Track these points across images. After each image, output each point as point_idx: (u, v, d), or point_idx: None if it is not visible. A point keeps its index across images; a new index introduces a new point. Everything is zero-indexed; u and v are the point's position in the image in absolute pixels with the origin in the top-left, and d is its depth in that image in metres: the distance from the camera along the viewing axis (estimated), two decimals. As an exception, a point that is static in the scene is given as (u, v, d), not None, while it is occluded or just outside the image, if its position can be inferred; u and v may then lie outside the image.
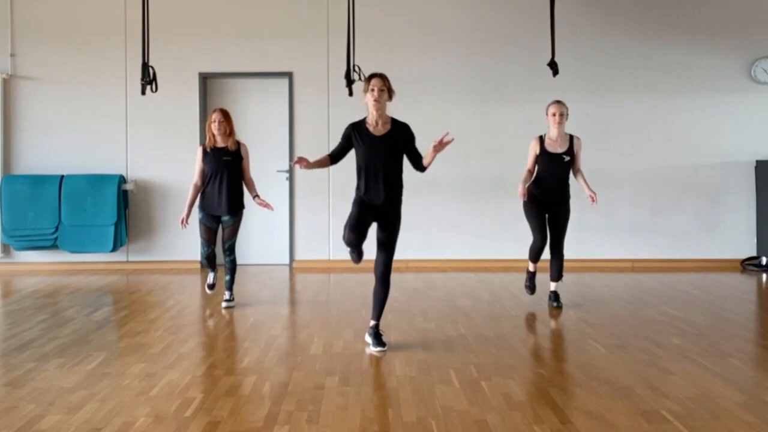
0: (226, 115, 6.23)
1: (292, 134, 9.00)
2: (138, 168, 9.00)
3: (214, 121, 6.18)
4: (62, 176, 8.85)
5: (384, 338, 4.93)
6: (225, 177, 6.18)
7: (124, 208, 8.89)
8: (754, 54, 8.98)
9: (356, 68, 7.23)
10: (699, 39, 9.01)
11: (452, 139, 4.64)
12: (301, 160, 4.72)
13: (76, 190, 8.77)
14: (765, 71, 8.95)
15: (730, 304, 6.54)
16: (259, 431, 3.43)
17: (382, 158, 4.78)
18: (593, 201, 6.05)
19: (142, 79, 6.74)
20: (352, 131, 4.83)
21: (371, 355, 4.78)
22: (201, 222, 6.30)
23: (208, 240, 6.33)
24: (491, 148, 8.92)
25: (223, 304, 6.43)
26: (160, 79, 7.00)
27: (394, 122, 4.85)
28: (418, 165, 4.88)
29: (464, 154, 8.89)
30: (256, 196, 6.30)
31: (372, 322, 4.96)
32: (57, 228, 8.75)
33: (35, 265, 8.95)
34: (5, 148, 9.03)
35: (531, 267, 6.43)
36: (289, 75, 9.03)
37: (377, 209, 4.80)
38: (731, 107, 8.99)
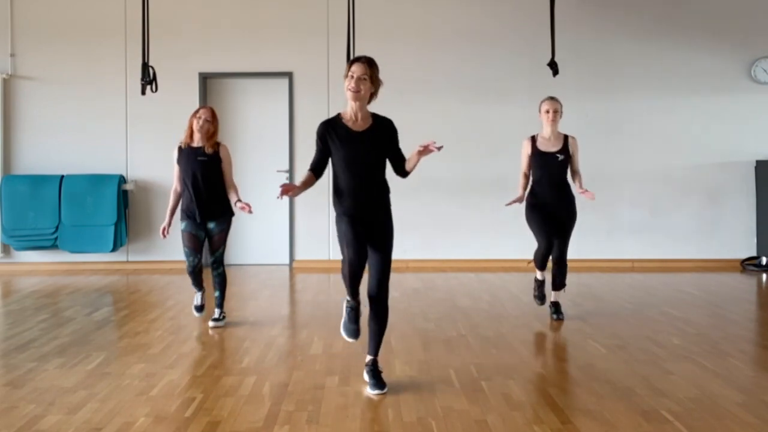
0: (214, 116, 5.62)
1: (292, 134, 9.00)
2: (138, 168, 9.00)
3: (199, 118, 5.55)
4: (62, 176, 8.85)
5: (383, 377, 4.10)
6: (200, 179, 5.52)
7: (124, 208, 8.89)
8: (754, 54, 8.98)
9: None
10: (699, 39, 9.01)
11: (441, 147, 3.82)
12: (288, 188, 3.85)
13: (76, 190, 8.77)
14: (765, 71, 8.95)
15: (730, 304, 6.54)
16: (259, 431, 3.43)
17: (366, 158, 3.97)
18: (588, 195, 5.51)
19: (142, 79, 6.75)
20: (326, 130, 3.99)
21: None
22: (183, 231, 5.58)
23: (193, 248, 5.56)
24: (491, 148, 8.92)
25: (211, 324, 5.66)
26: (160, 79, 7.01)
27: (376, 117, 4.04)
28: (401, 168, 4.09)
29: (464, 154, 8.90)
30: (237, 200, 5.59)
31: (368, 358, 4.14)
32: (57, 228, 8.75)
33: (35, 265, 8.95)
34: (5, 148, 9.03)
35: (539, 275, 5.96)
36: (289, 75, 9.03)
37: (366, 220, 3.98)
38: (731, 107, 8.99)
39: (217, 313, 5.74)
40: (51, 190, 8.78)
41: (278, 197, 3.86)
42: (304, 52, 9.00)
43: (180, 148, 5.63)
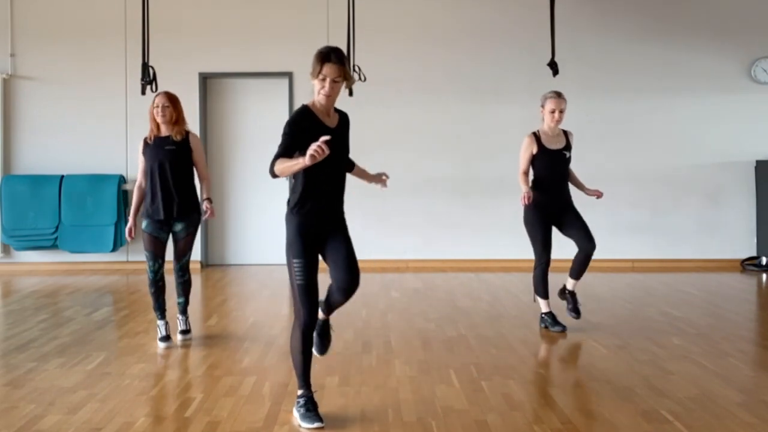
0: (172, 100, 5.11)
1: (292, 134, 8.99)
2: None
3: (157, 106, 5.07)
4: (62, 176, 8.85)
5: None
6: (168, 170, 5.06)
7: (124, 208, 8.88)
8: (754, 54, 8.98)
9: (356, 68, 7.22)
10: (699, 39, 9.01)
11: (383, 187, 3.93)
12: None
13: (76, 190, 8.77)
14: (765, 71, 8.94)
15: (730, 304, 6.54)
16: (259, 431, 3.43)
17: (338, 157, 3.59)
18: (599, 196, 5.56)
19: (142, 79, 6.73)
20: (303, 121, 3.53)
21: (371, 355, 4.77)
22: (144, 231, 5.14)
23: (154, 253, 5.14)
24: (491, 149, 8.91)
25: (180, 337, 5.27)
26: (160, 79, 6.98)
27: (339, 111, 3.69)
28: (348, 165, 3.84)
29: (464, 154, 8.90)
30: (207, 198, 5.24)
31: (321, 317, 4.00)
32: (57, 228, 8.75)
33: (35, 265, 8.95)
34: (5, 148, 9.03)
35: (545, 306, 5.51)
36: (289, 75, 9.03)
37: (323, 229, 3.69)
38: (731, 107, 8.99)
39: (182, 322, 5.33)
40: (51, 190, 8.78)
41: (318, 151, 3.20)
42: (304, 52, 8.81)
43: (146, 141, 5.18)
